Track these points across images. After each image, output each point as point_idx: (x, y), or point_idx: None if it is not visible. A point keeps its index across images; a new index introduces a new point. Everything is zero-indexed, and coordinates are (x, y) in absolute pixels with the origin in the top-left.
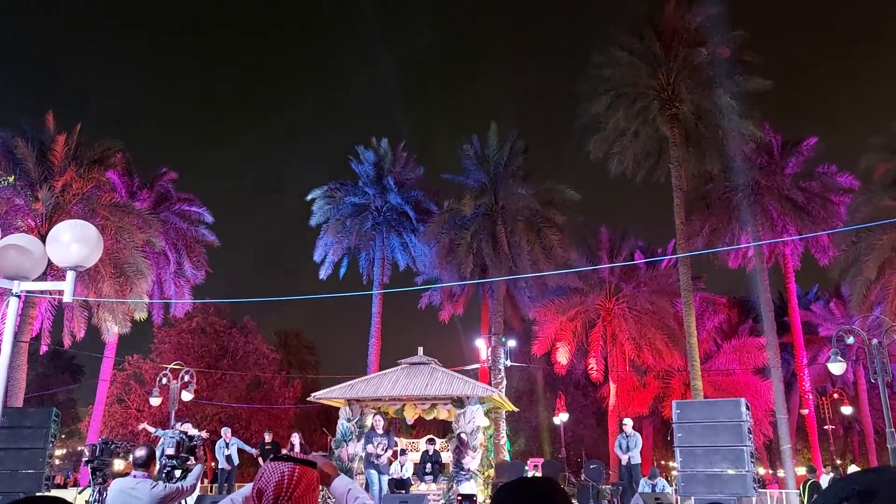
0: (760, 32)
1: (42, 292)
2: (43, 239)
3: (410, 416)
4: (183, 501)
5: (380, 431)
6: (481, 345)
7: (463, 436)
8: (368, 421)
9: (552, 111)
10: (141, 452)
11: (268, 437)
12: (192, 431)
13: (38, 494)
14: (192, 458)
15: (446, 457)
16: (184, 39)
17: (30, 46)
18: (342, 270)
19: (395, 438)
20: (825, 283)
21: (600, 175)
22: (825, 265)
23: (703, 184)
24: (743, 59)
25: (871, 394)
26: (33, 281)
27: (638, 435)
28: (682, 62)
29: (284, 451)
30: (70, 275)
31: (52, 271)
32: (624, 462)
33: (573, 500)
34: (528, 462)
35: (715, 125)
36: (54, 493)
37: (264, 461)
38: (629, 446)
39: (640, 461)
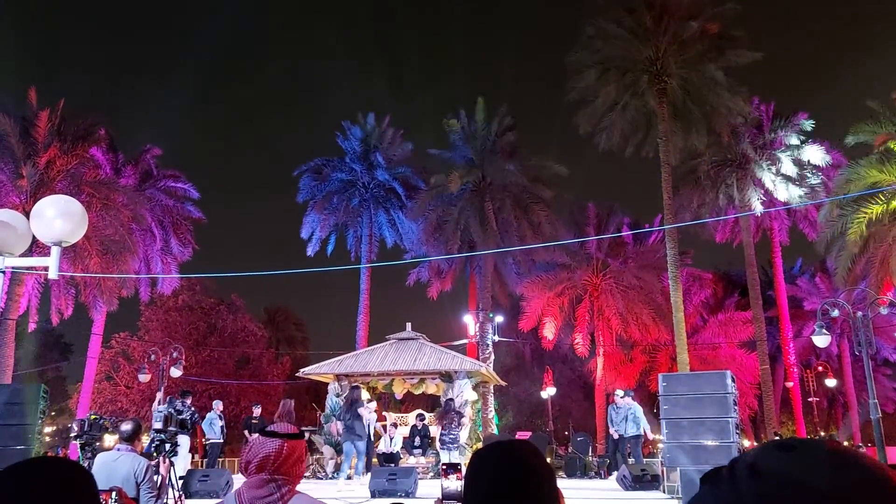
0: (752, 4)
1: (28, 268)
2: (28, 216)
3: (399, 390)
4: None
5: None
6: (469, 321)
7: (453, 403)
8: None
9: (541, 86)
10: (126, 426)
11: (256, 412)
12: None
13: (41, 456)
14: (181, 431)
15: (434, 430)
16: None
17: (8, 22)
18: (329, 247)
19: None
20: (810, 257)
21: (589, 150)
22: (814, 239)
23: (690, 158)
24: (732, 34)
25: (854, 366)
26: (18, 257)
27: (626, 407)
28: (672, 36)
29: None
30: (55, 250)
31: (37, 248)
32: (615, 436)
33: (560, 472)
34: (517, 435)
35: (703, 99)
36: None
37: (251, 435)
38: (613, 419)
39: (628, 434)
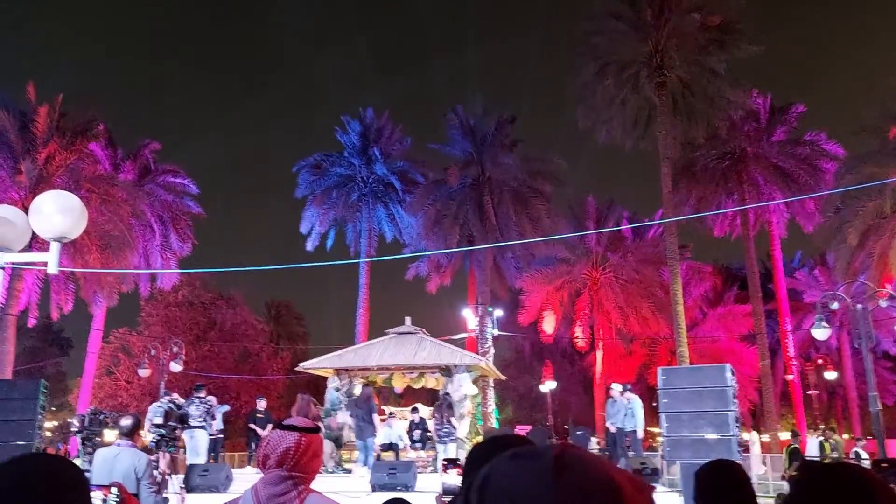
0: None
1: (27, 264)
2: (27, 212)
3: (399, 385)
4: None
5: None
6: (469, 315)
7: (449, 397)
8: (357, 390)
9: (541, 79)
10: (126, 422)
11: (261, 405)
12: (180, 401)
13: (35, 452)
14: (180, 426)
15: (433, 424)
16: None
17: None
18: (329, 242)
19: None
20: (810, 250)
21: (588, 144)
22: (810, 232)
23: (690, 152)
24: (733, 27)
25: (854, 359)
26: (17, 253)
27: (622, 401)
28: (672, 29)
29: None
30: (54, 246)
31: (36, 243)
32: (612, 430)
33: None
34: (516, 429)
35: (703, 93)
36: None
37: (254, 428)
38: (609, 412)
39: (628, 428)
